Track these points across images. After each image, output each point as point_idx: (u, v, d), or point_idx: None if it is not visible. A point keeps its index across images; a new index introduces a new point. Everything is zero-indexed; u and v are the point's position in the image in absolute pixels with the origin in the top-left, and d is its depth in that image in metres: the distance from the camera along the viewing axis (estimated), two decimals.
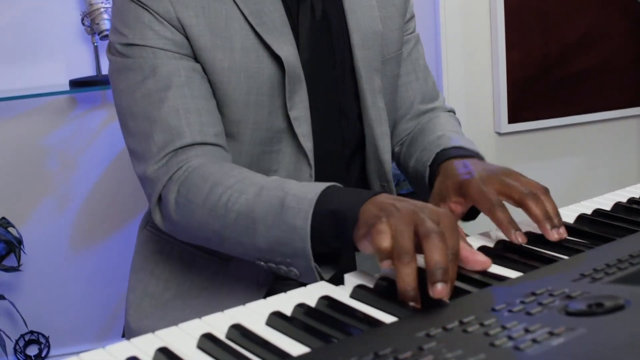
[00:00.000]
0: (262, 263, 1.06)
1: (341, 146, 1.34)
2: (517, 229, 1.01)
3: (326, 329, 0.80)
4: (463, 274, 0.91)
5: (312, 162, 1.26)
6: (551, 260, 0.94)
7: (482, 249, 1.01)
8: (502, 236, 1.04)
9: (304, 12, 1.26)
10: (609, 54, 3.01)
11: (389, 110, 1.39)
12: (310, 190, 1.01)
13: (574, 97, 2.99)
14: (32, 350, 2.74)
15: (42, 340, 2.74)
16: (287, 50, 1.23)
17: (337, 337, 0.78)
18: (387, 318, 0.82)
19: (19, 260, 2.59)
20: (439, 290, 0.80)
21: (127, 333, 1.38)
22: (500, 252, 1.00)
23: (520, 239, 1.01)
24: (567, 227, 1.06)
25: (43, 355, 2.70)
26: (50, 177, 2.68)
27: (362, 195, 0.97)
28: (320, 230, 0.99)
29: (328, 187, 1.02)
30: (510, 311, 0.76)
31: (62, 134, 2.64)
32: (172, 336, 0.80)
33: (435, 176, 1.22)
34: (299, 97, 1.24)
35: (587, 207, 1.16)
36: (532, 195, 1.04)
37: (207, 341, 0.77)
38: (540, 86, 2.94)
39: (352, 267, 1.04)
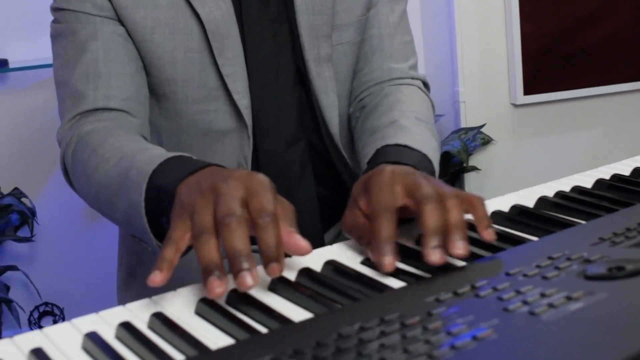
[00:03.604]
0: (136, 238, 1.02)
1: (279, 110, 1.24)
2: (389, 253, 0.81)
3: (331, 294, 0.76)
4: (475, 238, 0.87)
5: (248, 121, 1.19)
6: (568, 224, 0.90)
7: (494, 215, 0.97)
8: (519, 201, 1.00)
9: None
10: (624, 26, 2.94)
11: (343, 82, 1.29)
12: (154, 161, 0.94)
13: (590, 68, 2.94)
14: (47, 322, 2.73)
15: (56, 311, 2.73)
16: (213, 5, 1.16)
17: (341, 303, 0.74)
18: (396, 283, 0.79)
19: (32, 231, 2.58)
20: (245, 279, 0.72)
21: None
22: (515, 216, 0.96)
23: (386, 267, 0.80)
24: (586, 191, 1.02)
25: None
26: None
27: (186, 168, 0.89)
28: (153, 208, 0.92)
29: (173, 158, 0.94)
30: (525, 275, 0.72)
31: None
32: (168, 301, 0.77)
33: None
34: (232, 53, 1.18)
35: (605, 172, 1.12)
36: (435, 200, 0.83)
37: (204, 306, 0.75)
38: (555, 58, 2.89)
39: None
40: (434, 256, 0.78)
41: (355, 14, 1.26)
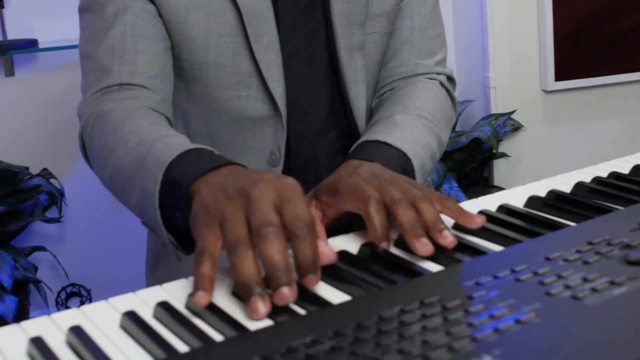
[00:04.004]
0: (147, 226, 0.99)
1: (311, 98, 1.23)
2: (387, 239, 0.82)
3: (368, 277, 0.76)
4: (511, 223, 0.86)
5: (282, 109, 1.18)
6: (606, 210, 0.89)
7: (531, 200, 0.95)
8: (555, 186, 0.99)
9: None
10: None
11: (372, 71, 1.27)
12: (173, 151, 0.90)
13: (623, 54, 2.91)
14: (74, 303, 2.75)
15: (83, 292, 2.75)
16: None
17: (380, 286, 0.74)
18: (434, 267, 0.78)
19: (60, 212, 2.59)
20: (285, 294, 0.68)
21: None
22: (552, 201, 0.95)
23: (385, 246, 0.82)
24: (623, 177, 1.01)
25: None
26: None
27: (205, 164, 0.85)
28: (167, 200, 0.88)
29: (192, 150, 0.90)
30: (565, 260, 0.71)
31: None
32: (176, 289, 0.77)
33: None
34: (267, 40, 1.16)
35: None
36: (404, 202, 0.83)
37: None
38: (588, 43, 2.86)
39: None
40: (421, 245, 0.79)
41: (389, 3, 1.25)
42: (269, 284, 0.69)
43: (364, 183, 0.88)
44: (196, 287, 0.71)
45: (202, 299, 0.70)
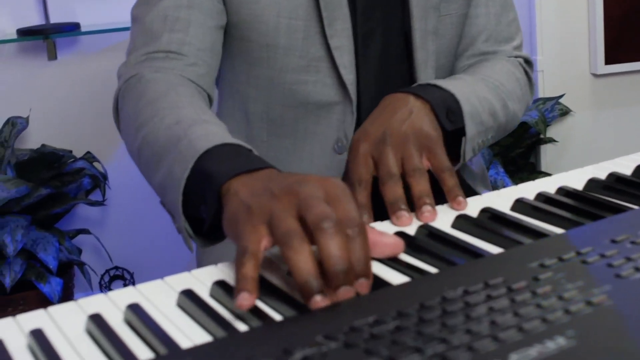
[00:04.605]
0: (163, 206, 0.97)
1: (383, 85, 1.20)
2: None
3: (428, 258, 0.75)
4: (574, 206, 0.84)
5: (353, 96, 1.15)
6: None
7: (590, 182, 0.93)
8: (615, 169, 0.97)
9: None
10: None
11: (446, 54, 1.25)
12: (210, 140, 0.86)
13: None
14: (117, 286, 2.77)
15: (126, 276, 2.76)
16: None
17: (440, 267, 0.72)
18: (493, 249, 0.77)
19: (103, 195, 2.61)
20: (346, 295, 0.64)
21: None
22: (612, 183, 0.92)
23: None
24: None
25: None
26: None
27: (243, 163, 0.81)
28: (193, 189, 0.85)
29: (230, 145, 0.86)
30: (633, 243, 0.69)
31: None
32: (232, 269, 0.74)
33: None
34: (341, 25, 1.14)
35: None
36: (394, 180, 0.92)
37: None
38: (639, 25, 2.80)
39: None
40: (397, 219, 0.87)
41: None
42: (328, 281, 0.65)
43: (361, 158, 0.97)
44: (239, 289, 0.65)
45: (246, 301, 0.64)
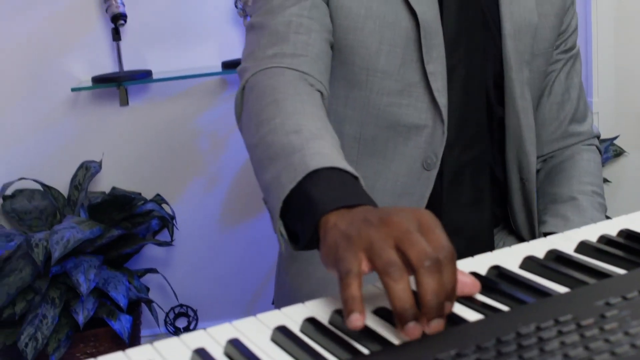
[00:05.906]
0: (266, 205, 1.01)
1: (477, 114, 1.32)
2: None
3: (498, 297, 0.80)
4: (628, 246, 0.89)
5: (445, 117, 1.25)
6: None
7: None
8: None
9: None
10: None
11: (533, 105, 1.38)
12: (324, 160, 0.91)
13: None
14: (181, 323, 2.85)
15: (190, 313, 2.84)
16: (426, 6, 1.24)
17: (510, 306, 0.78)
18: (561, 289, 0.82)
19: (171, 236, 2.70)
20: (438, 328, 0.71)
21: (276, 289, 1.44)
22: None
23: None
24: None
25: (191, 327, 2.80)
26: (201, 156, 2.77)
27: (345, 197, 0.86)
28: (293, 204, 0.90)
29: (340, 170, 0.91)
30: None
31: (213, 115, 2.73)
32: (317, 306, 0.81)
33: None
34: (437, 53, 1.25)
35: None
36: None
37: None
38: None
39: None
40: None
41: (544, 47, 1.37)
42: (423, 312, 0.70)
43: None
44: (349, 310, 0.71)
45: (358, 321, 0.70)
